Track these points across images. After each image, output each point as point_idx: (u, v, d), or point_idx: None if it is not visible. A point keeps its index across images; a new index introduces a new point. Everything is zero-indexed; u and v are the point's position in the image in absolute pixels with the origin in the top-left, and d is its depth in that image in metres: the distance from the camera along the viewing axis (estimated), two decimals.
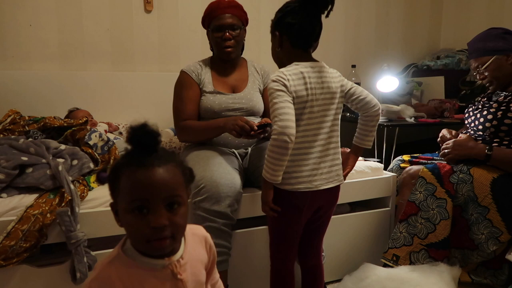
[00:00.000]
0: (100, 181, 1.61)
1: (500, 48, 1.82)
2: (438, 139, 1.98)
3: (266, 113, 1.93)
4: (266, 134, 1.63)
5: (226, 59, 1.82)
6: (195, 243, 0.90)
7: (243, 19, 1.82)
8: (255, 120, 1.85)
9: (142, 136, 0.76)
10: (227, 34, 1.75)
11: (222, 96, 1.80)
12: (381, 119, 2.61)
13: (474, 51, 1.91)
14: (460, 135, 1.91)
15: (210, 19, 1.79)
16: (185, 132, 1.76)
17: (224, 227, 1.51)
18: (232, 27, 1.77)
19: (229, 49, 1.78)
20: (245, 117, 1.73)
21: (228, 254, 1.54)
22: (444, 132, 1.98)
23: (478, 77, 1.94)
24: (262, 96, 1.92)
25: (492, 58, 1.83)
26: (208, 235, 0.95)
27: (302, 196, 1.34)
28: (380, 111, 1.48)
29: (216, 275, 1.00)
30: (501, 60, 1.82)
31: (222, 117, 1.78)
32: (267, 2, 2.78)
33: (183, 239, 0.87)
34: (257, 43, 2.79)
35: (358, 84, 2.92)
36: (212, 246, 0.95)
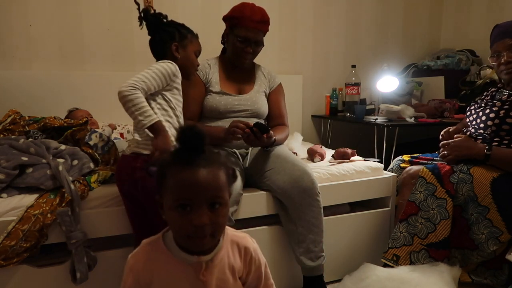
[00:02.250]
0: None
1: None
2: (440, 137, 1.96)
3: (270, 116, 1.94)
4: (266, 139, 1.63)
5: (239, 66, 1.84)
6: (232, 250, 0.91)
7: (266, 32, 1.84)
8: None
9: (191, 136, 0.80)
10: (250, 49, 1.78)
11: (228, 97, 1.81)
12: (381, 119, 2.62)
13: (507, 32, 1.79)
14: (459, 134, 1.90)
15: (237, 23, 1.77)
16: None
17: None
18: (257, 43, 1.79)
19: (246, 60, 1.81)
20: (248, 119, 1.75)
21: None
22: (445, 130, 1.97)
23: (505, 58, 1.78)
24: (267, 99, 1.93)
25: None
26: (251, 247, 0.94)
27: None
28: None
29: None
30: None
31: (227, 117, 1.78)
32: (270, 2, 2.78)
33: (220, 242, 0.89)
34: None
35: (358, 84, 2.95)
36: (255, 260, 0.94)
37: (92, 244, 1.46)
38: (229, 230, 0.93)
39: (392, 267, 1.70)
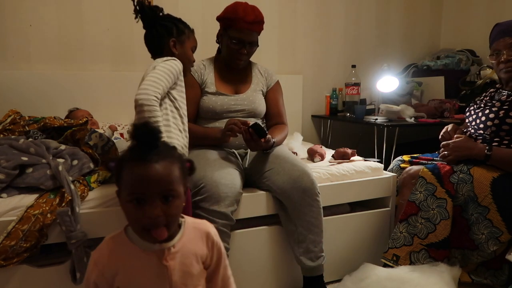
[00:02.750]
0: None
1: None
2: (440, 137, 1.96)
3: (267, 116, 1.93)
4: (264, 143, 1.64)
5: (234, 67, 1.84)
6: (195, 237, 0.95)
7: (261, 32, 1.82)
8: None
9: (144, 132, 0.83)
10: (245, 50, 1.77)
11: (224, 97, 1.80)
12: (381, 119, 2.62)
13: (509, 31, 1.78)
14: (459, 134, 1.90)
15: (230, 24, 1.75)
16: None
17: (223, 227, 1.51)
18: (251, 44, 1.78)
19: (241, 62, 1.80)
20: (245, 119, 1.75)
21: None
22: (444, 131, 1.97)
23: (502, 58, 1.79)
24: (265, 98, 1.92)
25: None
26: (212, 231, 0.98)
27: None
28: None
29: (227, 271, 1.01)
30: None
31: (223, 118, 1.78)
32: (270, 2, 2.78)
33: (181, 230, 0.93)
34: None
35: (358, 84, 2.95)
36: (216, 243, 0.97)
37: (92, 244, 1.46)
38: (189, 219, 0.97)
39: (392, 267, 1.70)
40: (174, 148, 0.91)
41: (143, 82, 1.36)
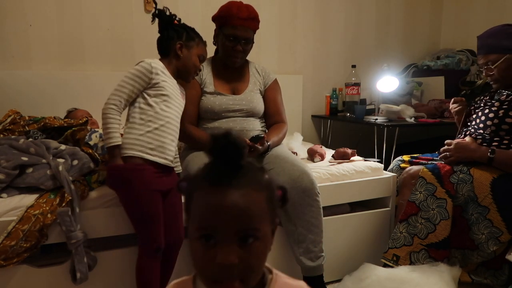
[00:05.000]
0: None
1: None
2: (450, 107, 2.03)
3: (266, 114, 1.93)
4: (260, 147, 1.67)
5: (231, 66, 1.84)
6: None
7: (256, 29, 1.83)
8: (255, 122, 1.86)
9: (223, 146, 0.62)
10: (240, 47, 1.77)
11: (223, 97, 1.80)
12: (381, 119, 2.62)
13: (484, 47, 1.85)
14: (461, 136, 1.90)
15: (224, 22, 1.77)
16: (187, 137, 1.77)
17: None
18: (246, 40, 1.78)
19: (237, 59, 1.80)
20: (244, 118, 1.74)
21: None
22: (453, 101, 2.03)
23: (484, 73, 1.89)
24: (263, 96, 1.92)
25: (504, 57, 1.78)
26: None
27: None
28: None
29: None
30: None
31: (222, 118, 1.78)
32: (270, 2, 2.78)
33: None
34: (257, 43, 2.80)
35: (358, 84, 2.95)
36: None
37: (92, 244, 1.46)
38: (280, 277, 0.71)
39: (392, 267, 1.70)
40: (261, 169, 0.68)
41: None
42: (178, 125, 1.53)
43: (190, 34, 1.56)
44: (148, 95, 1.45)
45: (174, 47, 1.53)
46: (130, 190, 1.39)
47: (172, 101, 1.49)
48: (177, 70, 1.56)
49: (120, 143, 1.39)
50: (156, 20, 1.56)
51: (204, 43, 1.62)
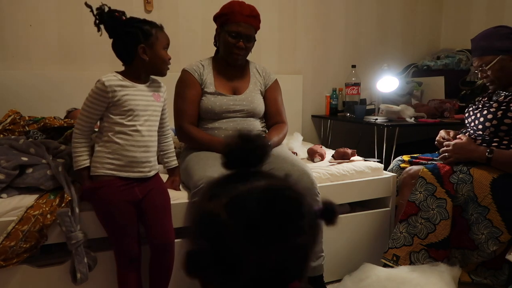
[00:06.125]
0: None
1: (506, 49, 1.79)
2: (436, 142, 1.96)
3: (267, 115, 1.93)
4: None
5: (232, 63, 1.83)
6: None
7: (258, 28, 1.83)
8: (256, 122, 1.85)
9: (242, 149, 0.55)
10: (242, 43, 1.76)
11: (223, 97, 1.80)
12: (381, 119, 2.62)
13: (478, 49, 1.87)
14: (460, 135, 1.90)
15: (226, 20, 1.76)
16: (187, 137, 1.78)
17: None
18: (248, 37, 1.78)
19: (239, 56, 1.80)
20: (244, 119, 1.74)
21: None
22: (442, 133, 1.97)
23: (479, 76, 1.90)
24: (263, 97, 1.92)
25: (497, 58, 1.79)
26: None
27: None
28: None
29: None
30: (506, 60, 1.79)
31: (223, 118, 1.78)
32: (270, 2, 2.78)
33: None
34: (257, 43, 2.80)
35: (358, 84, 2.95)
36: None
37: (92, 244, 1.46)
38: None
39: (392, 267, 1.70)
40: (288, 177, 0.61)
41: None
42: (153, 133, 1.48)
43: (145, 30, 1.40)
44: (112, 113, 1.40)
45: (136, 53, 1.40)
46: (99, 205, 1.42)
47: (138, 113, 1.41)
48: (147, 71, 1.47)
49: (86, 165, 1.41)
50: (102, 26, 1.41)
51: (161, 29, 1.46)
